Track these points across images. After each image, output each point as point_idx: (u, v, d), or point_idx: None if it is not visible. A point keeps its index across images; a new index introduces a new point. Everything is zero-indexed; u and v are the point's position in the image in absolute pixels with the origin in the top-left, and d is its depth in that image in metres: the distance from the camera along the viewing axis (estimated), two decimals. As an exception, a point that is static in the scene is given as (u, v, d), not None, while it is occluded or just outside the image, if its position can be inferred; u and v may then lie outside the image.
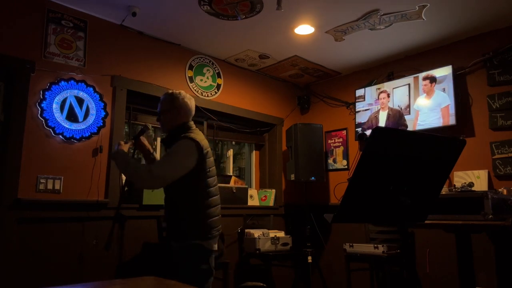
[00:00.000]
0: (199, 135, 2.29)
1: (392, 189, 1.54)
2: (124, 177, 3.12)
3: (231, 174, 4.55)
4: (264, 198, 4.61)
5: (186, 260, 2.19)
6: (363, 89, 4.44)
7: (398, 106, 4.11)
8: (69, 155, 3.10)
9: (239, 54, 4.19)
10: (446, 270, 3.54)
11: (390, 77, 4.30)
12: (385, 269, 3.60)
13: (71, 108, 3.13)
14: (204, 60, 4.17)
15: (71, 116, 3.12)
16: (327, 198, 4.75)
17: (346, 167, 4.65)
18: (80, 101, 3.18)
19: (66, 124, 3.09)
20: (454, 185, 3.34)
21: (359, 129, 4.40)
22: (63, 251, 2.97)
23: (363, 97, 4.43)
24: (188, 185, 2.19)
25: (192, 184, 2.20)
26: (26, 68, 2.93)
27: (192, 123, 2.38)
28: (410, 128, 3.95)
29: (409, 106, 4.02)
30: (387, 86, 4.24)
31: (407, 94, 4.05)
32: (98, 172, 3.23)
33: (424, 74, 3.93)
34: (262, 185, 4.85)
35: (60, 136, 3.06)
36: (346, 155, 4.68)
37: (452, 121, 3.66)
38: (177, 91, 2.40)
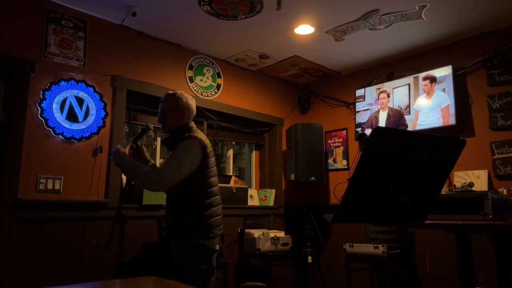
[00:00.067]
0: (202, 135, 2.31)
1: (392, 189, 1.54)
2: (124, 177, 3.12)
3: (231, 174, 4.55)
4: (264, 198, 4.61)
5: (187, 260, 2.18)
6: (363, 89, 4.44)
7: (398, 106, 4.11)
8: (69, 155, 3.10)
9: (239, 54, 4.19)
10: (446, 270, 3.54)
11: (390, 77, 4.30)
12: (385, 269, 3.60)
13: (71, 108, 3.13)
14: (204, 60, 4.17)
15: (71, 116, 3.12)
16: (327, 198, 4.75)
17: (346, 167, 4.65)
18: (80, 101, 3.18)
19: (66, 124, 3.09)
20: (454, 185, 3.34)
21: (359, 129, 4.40)
22: (63, 251, 2.97)
23: (363, 97, 4.43)
24: (190, 184, 2.19)
25: (194, 184, 2.20)
26: (26, 68, 2.93)
27: (193, 123, 2.39)
28: (410, 128, 3.95)
29: (409, 106, 4.02)
30: (387, 86, 4.24)
31: (407, 94, 4.05)
32: (98, 172, 3.23)
33: (424, 74, 3.93)
34: (262, 185, 4.85)
35: (60, 136, 3.06)
36: (346, 155, 4.68)
37: (452, 121, 3.66)
38: (179, 92, 2.40)
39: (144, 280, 1.36)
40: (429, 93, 3.88)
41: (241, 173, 5.09)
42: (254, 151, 4.95)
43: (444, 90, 3.76)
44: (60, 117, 3.06)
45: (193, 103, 2.41)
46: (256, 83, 4.68)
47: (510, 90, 3.45)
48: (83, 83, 3.20)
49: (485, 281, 2.98)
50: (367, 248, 3.60)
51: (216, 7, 3.20)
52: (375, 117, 4.29)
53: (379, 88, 4.30)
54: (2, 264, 2.68)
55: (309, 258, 4.10)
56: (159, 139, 4.03)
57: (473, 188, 2.62)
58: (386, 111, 4.21)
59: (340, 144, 4.74)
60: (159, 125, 2.49)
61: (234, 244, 4.06)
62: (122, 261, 2.90)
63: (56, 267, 2.92)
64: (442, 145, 1.65)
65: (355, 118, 4.49)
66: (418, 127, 3.91)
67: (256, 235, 3.81)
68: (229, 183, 4.30)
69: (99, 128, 3.27)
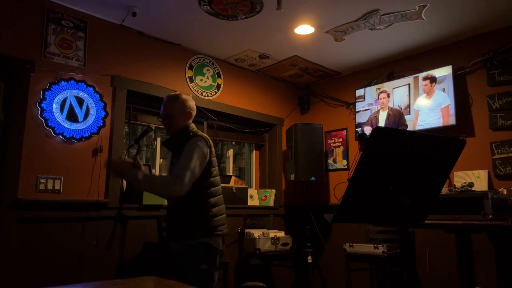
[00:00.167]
0: (204, 135, 2.32)
1: (392, 189, 1.54)
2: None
3: (231, 174, 4.56)
4: (264, 198, 4.61)
5: (192, 261, 2.16)
6: (363, 89, 4.44)
7: (398, 106, 4.11)
8: (69, 155, 3.10)
9: (239, 54, 4.19)
10: (446, 270, 3.54)
11: (390, 77, 4.30)
12: (385, 269, 3.60)
13: (71, 108, 3.13)
14: (204, 60, 4.17)
15: (71, 116, 3.12)
16: (327, 198, 4.75)
17: (346, 167, 4.65)
18: (80, 101, 3.18)
19: (66, 124, 3.09)
20: (454, 185, 3.34)
21: (359, 129, 4.40)
22: (63, 251, 2.97)
23: (363, 97, 4.43)
24: (194, 184, 2.19)
25: (197, 183, 2.19)
26: (26, 68, 2.93)
27: (193, 124, 2.40)
28: (410, 128, 3.95)
29: (409, 106, 4.02)
30: (387, 86, 4.24)
31: (407, 94, 4.05)
32: (98, 172, 3.23)
33: (424, 74, 3.93)
34: (262, 185, 4.85)
35: (60, 136, 3.06)
36: (346, 155, 4.68)
37: (452, 121, 3.66)
38: (183, 95, 2.39)
39: (144, 280, 1.36)
40: (429, 93, 3.88)
41: (241, 173, 5.09)
42: (254, 151, 4.95)
43: (444, 90, 3.76)
44: (60, 117, 3.06)
45: (194, 104, 2.42)
46: (256, 83, 4.68)
47: (510, 90, 3.45)
48: (83, 83, 3.20)
49: (485, 281, 2.98)
50: (367, 248, 3.60)
51: (216, 7, 3.20)
52: (375, 117, 4.29)
53: (379, 88, 4.30)
54: (2, 264, 2.68)
55: (309, 258, 4.10)
56: (159, 139, 4.03)
57: (473, 188, 2.62)
58: (386, 111, 4.21)
59: (340, 144, 4.74)
60: (160, 126, 2.49)
61: (234, 244, 4.06)
62: (122, 261, 2.90)
63: (56, 267, 2.92)
64: (442, 145, 1.65)
65: (355, 118, 4.49)
66: (418, 127, 3.91)
67: (256, 235, 3.81)
68: (229, 183, 4.30)
69: (99, 128, 3.27)
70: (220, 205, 2.29)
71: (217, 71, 4.27)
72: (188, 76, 4.00)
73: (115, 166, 2.31)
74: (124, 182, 3.27)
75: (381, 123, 4.21)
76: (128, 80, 3.52)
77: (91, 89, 3.25)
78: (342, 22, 3.49)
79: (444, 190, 2.56)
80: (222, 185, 2.42)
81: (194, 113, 2.39)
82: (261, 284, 3.83)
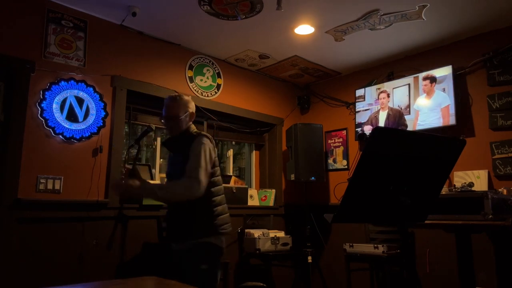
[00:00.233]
0: (207, 134, 2.34)
1: (392, 189, 1.54)
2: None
3: (231, 174, 4.55)
4: (264, 198, 4.61)
5: (193, 260, 2.16)
6: (363, 89, 4.44)
7: (398, 106, 4.11)
8: (69, 155, 3.10)
9: (239, 54, 4.19)
10: (446, 270, 3.54)
11: (390, 77, 4.30)
12: (385, 269, 3.60)
13: (71, 108, 3.13)
14: (204, 60, 4.17)
15: (71, 116, 3.12)
16: (327, 198, 4.75)
17: (346, 167, 4.65)
18: (80, 101, 3.18)
19: (66, 124, 3.09)
20: (454, 185, 3.34)
21: (359, 129, 4.40)
22: (63, 251, 2.97)
23: (363, 97, 4.43)
24: None
25: None
26: (26, 68, 2.93)
27: (193, 124, 2.40)
28: (410, 128, 3.95)
29: (409, 106, 4.02)
30: (387, 86, 4.24)
31: (407, 94, 4.05)
32: (98, 172, 3.23)
33: (424, 74, 3.92)
34: (262, 185, 4.85)
35: (60, 136, 3.06)
36: (346, 155, 4.68)
37: (452, 121, 3.66)
38: (184, 96, 2.39)
39: (144, 280, 1.36)
40: (429, 93, 3.88)
41: (241, 173, 5.09)
42: (254, 151, 4.95)
43: (444, 90, 3.76)
44: (60, 117, 3.06)
45: (194, 105, 2.43)
46: (256, 83, 4.68)
47: (510, 90, 3.45)
48: (83, 83, 3.20)
49: (485, 281, 2.98)
50: (367, 248, 3.60)
51: (216, 7, 3.20)
52: (375, 117, 4.29)
53: (379, 88, 4.30)
54: (2, 264, 2.68)
55: (309, 258, 4.10)
56: (159, 139, 4.03)
57: (473, 188, 2.62)
58: (386, 111, 4.21)
59: (340, 144, 4.74)
60: (160, 125, 2.49)
61: (234, 244, 4.05)
62: (122, 261, 2.90)
63: (56, 267, 2.92)
64: (442, 145, 1.65)
65: (355, 118, 4.49)
66: (418, 127, 3.91)
67: (256, 235, 3.81)
68: (229, 183, 4.30)
69: (99, 128, 3.27)
70: (223, 204, 2.30)
71: (217, 71, 4.27)
72: (188, 76, 4.00)
73: (127, 190, 2.19)
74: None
75: (381, 123, 4.21)
76: (128, 80, 3.52)
77: (91, 89, 3.24)
78: (342, 22, 3.49)
79: (444, 190, 2.56)
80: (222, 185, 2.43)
81: (194, 114, 2.41)
82: (261, 284, 3.83)
